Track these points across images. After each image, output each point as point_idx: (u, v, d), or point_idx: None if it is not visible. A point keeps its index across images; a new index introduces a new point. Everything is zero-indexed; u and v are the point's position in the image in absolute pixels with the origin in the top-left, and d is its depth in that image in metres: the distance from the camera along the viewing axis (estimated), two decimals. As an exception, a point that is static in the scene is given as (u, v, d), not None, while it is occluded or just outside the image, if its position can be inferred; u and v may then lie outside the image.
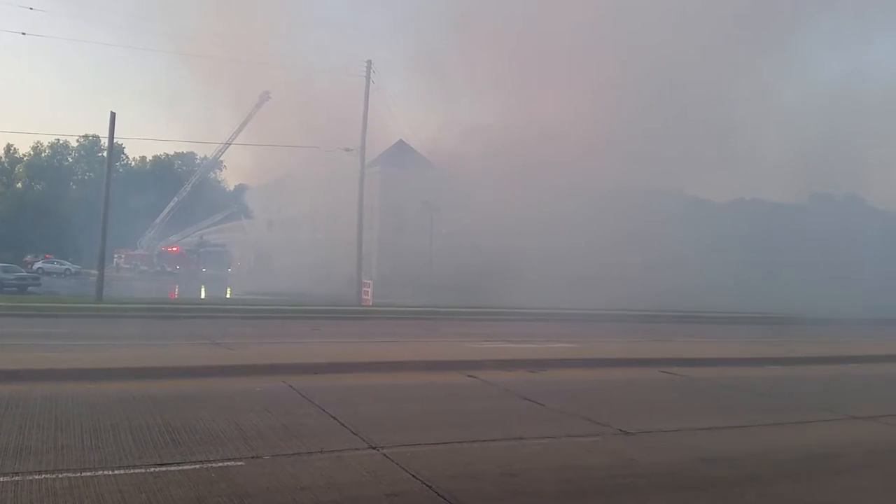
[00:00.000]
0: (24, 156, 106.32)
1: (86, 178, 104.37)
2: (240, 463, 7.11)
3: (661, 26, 66.62)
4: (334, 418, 9.18)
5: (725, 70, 69.60)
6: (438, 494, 6.40)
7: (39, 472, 6.50)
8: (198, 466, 6.91)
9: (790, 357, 18.83)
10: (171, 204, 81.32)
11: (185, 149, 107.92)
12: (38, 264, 68.16)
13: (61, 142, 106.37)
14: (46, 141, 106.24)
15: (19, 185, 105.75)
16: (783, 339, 24.63)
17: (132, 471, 6.67)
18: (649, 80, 63.78)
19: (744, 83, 71.07)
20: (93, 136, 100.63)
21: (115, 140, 36.89)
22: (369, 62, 40.89)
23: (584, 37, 67.00)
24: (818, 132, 66.31)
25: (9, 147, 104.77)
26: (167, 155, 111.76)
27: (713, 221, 57.94)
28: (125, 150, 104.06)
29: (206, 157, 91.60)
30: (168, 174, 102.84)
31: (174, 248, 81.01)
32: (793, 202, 68.99)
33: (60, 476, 6.42)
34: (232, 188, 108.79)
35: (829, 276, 52.37)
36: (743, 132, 67.45)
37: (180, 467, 6.85)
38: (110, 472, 6.57)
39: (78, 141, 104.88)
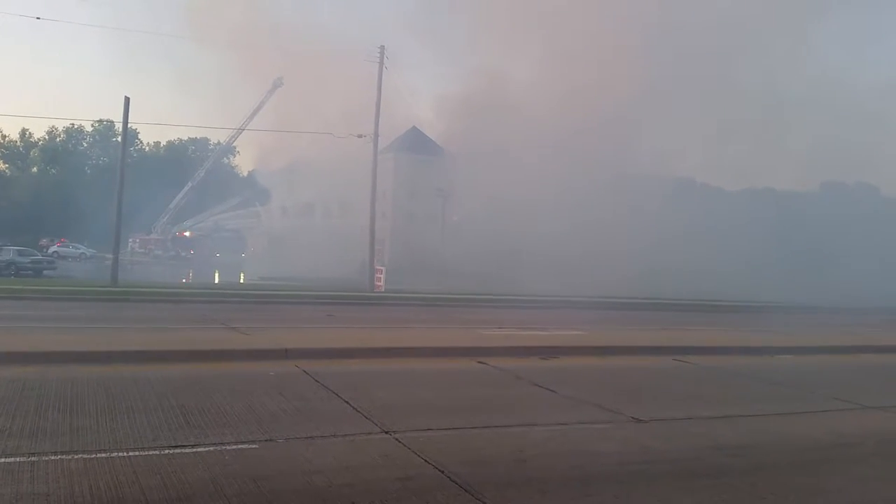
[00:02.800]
0: (40, 140, 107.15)
1: (100, 162, 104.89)
2: (254, 446, 7.16)
3: (669, 14, 66.28)
4: (347, 403, 9.22)
5: (741, 58, 69.21)
6: (450, 479, 6.43)
7: (55, 453, 6.56)
8: (212, 449, 6.95)
9: (802, 346, 18.72)
10: (185, 189, 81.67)
11: (198, 134, 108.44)
12: (54, 248, 68.61)
13: (76, 126, 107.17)
14: (61, 126, 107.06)
15: (35, 169, 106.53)
16: (795, 328, 24.53)
17: (147, 452, 6.71)
18: (664, 68, 63.51)
19: (758, 71, 70.67)
20: (107, 121, 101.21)
21: (129, 125, 37.06)
22: (382, 47, 40.83)
23: (605, 17, 66.66)
24: (831, 120, 65.88)
25: (24, 132, 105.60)
26: (181, 140, 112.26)
27: (725, 210, 57.78)
28: (139, 136, 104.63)
29: (219, 143, 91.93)
30: (182, 159, 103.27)
31: (188, 233, 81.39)
32: (804, 190, 68.61)
33: (76, 457, 6.48)
34: (245, 174, 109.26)
35: (841, 264, 52.13)
36: (756, 120, 67.13)
37: (195, 449, 6.90)
38: (125, 454, 6.62)
39: (92, 126, 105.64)
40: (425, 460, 6.92)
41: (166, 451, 6.78)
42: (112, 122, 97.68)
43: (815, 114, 67.93)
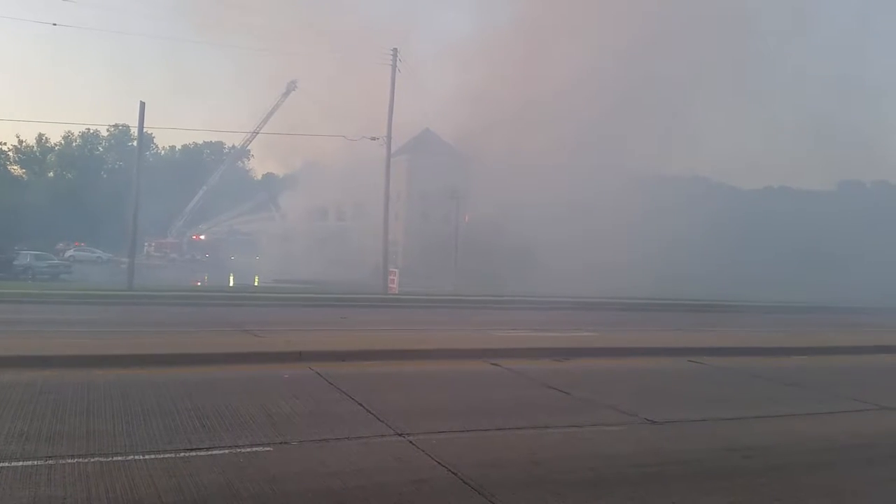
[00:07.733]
0: (56, 145, 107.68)
1: (116, 167, 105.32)
2: (268, 448, 7.21)
3: (686, 10, 66.05)
4: (361, 405, 9.24)
5: (752, 56, 68.84)
6: (464, 481, 6.44)
7: (72, 457, 6.63)
8: (227, 451, 7.01)
9: (818, 347, 18.58)
10: (200, 193, 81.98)
11: (213, 138, 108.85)
12: (70, 252, 68.99)
13: (92, 131, 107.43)
14: (77, 130, 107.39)
15: (51, 174, 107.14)
16: (811, 328, 24.35)
17: (162, 455, 6.77)
18: (680, 66, 63.31)
19: (776, 65, 70.29)
20: (123, 126, 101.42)
21: (144, 129, 37.26)
22: (395, 50, 40.88)
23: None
24: (847, 117, 65.46)
25: (40, 136, 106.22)
26: (196, 144, 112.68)
27: (740, 209, 57.55)
28: (155, 140, 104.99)
29: (234, 147, 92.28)
30: (197, 163, 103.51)
31: (203, 237, 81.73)
32: (821, 189, 68.24)
33: (92, 460, 6.55)
34: (260, 177, 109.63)
35: (857, 264, 51.76)
36: (770, 120, 66.79)
37: (210, 452, 6.95)
38: (141, 457, 6.68)
39: (108, 130, 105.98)
40: (439, 462, 6.94)
41: (182, 454, 6.83)
42: (128, 126, 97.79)
43: (834, 111, 67.55)
